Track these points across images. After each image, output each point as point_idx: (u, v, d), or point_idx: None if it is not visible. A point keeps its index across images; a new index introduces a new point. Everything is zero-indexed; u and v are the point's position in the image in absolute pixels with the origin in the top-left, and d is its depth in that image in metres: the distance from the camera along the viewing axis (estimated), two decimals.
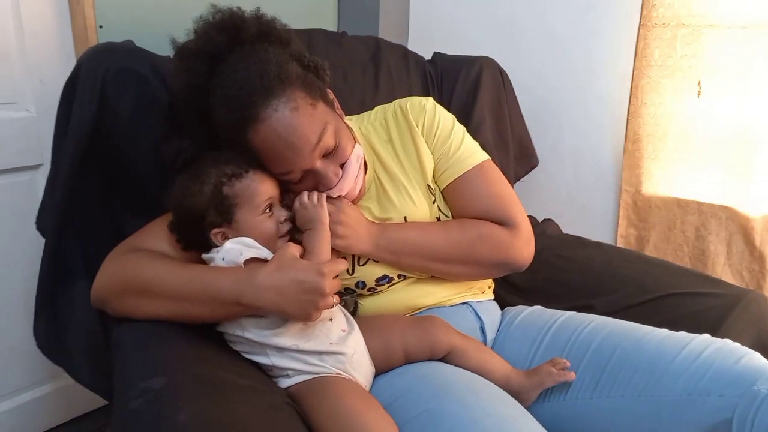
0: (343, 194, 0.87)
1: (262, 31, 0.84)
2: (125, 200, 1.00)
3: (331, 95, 0.91)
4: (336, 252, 0.86)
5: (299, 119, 0.80)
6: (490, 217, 0.95)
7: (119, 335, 0.82)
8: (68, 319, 0.98)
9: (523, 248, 0.95)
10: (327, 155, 0.85)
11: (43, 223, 1.03)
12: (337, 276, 0.79)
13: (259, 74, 0.79)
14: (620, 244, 1.59)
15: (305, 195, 0.83)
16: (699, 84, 1.42)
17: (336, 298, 0.79)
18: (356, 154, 0.88)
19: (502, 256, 0.94)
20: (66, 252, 0.97)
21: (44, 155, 1.27)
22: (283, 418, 0.70)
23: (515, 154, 1.49)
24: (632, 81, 1.50)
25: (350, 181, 0.87)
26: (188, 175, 0.83)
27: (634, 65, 1.49)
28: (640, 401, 0.82)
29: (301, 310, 0.76)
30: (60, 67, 1.29)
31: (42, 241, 0.99)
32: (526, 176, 1.56)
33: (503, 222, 0.95)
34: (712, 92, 1.41)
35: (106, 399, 1.00)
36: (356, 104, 1.26)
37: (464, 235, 0.93)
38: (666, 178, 1.52)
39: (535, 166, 1.56)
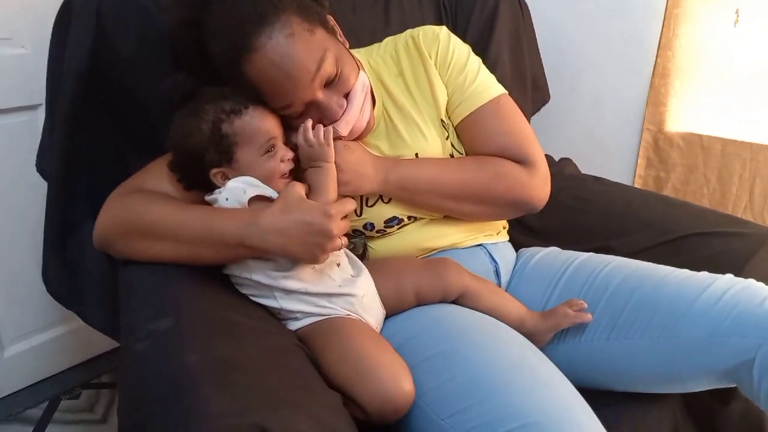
0: (350, 126, 0.82)
1: None
2: (131, 138, 0.96)
3: (332, 21, 0.85)
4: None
5: (295, 46, 0.75)
6: (506, 155, 0.90)
7: (125, 277, 0.81)
8: (78, 263, 0.97)
9: (540, 188, 0.91)
10: (329, 85, 0.79)
11: (43, 164, 1.01)
12: (345, 216, 0.76)
13: (252, 2, 0.74)
14: (637, 185, 1.54)
15: (310, 131, 0.78)
16: (737, 12, 1.32)
17: (344, 240, 0.76)
18: (361, 83, 0.83)
19: (518, 196, 0.90)
20: (72, 194, 0.95)
21: (43, 94, 1.23)
22: (293, 359, 0.69)
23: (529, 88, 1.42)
24: (666, 10, 1.39)
25: (355, 112, 0.82)
26: (185, 113, 0.79)
27: None
28: (658, 343, 0.80)
29: (308, 252, 0.73)
30: (53, 2, 1.23)
31: (43, 184, 0.97)
32: (544, 113, 1.49)
33: (520, 160, 0.90)
34: (750, 20, 1.31)
35: (119, 341, 1.00)
36: (366, 37, 1.19)
37: (480, 173, 0.89)
38: (691, 117, 1.45)
39: (546, 102, 1.49)
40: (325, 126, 0.79)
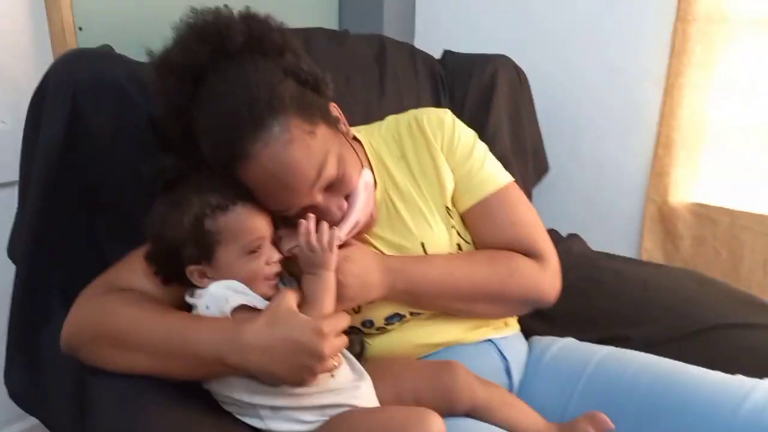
0: (349, 229, 0.76)
1: (252, 37, 0.72)
2: (106, 224, 0.89)
3: (336, 111, 0.79)
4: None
5: (294, 154, 0.68)
6: (515, 247, 0.85)
7: (93, 388, 0.72)
8: (46, 362, 0.87)
9: (553, 283, 0.86)
10: (329, 187, 0.73)
11: (15, 250, 0.93)
12: (340, 333, 0.68)
13: (247, 102, 0.67)
14: (644, 257, 1.48)
15: (313, 234, 0.70)
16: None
17: (338, 360, 0.68)
18: (364, 182, 0.77)
19: (532, 294, 0.85)
20: (42, 284, 0.86)
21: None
22: None
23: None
24: (667, 81, 1.37)
25: (357, 213, 0.76)
26: (168, 202, 0.72)
27: (669, 63, 1.36)
28: None
29: (293, 374, 0.65)
30: (36, 74, 1.15)
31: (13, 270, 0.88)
32: (544, 183, 1.45)
33: (530, 253, 0.85)
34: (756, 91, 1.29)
35: None
36: (360, 109, 1.15)
37: (492, 272, 0.83)
38: (696, 188, 1.40)
39: (546, 172, 1.45)
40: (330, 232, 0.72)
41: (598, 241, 1.30)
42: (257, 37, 0.72)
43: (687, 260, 1.44)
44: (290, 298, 0.67)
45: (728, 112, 1.33)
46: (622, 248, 1.48)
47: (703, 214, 1.40)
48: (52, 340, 0.83)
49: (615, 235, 1.52)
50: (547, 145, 1.45)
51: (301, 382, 0.66)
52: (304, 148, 0.69)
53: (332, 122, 0.76)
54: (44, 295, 0.86)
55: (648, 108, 1.42)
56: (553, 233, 1.27)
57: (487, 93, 1.29)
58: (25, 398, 0.88)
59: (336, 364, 0.68)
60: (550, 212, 1.48)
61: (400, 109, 0.96)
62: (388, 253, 0.83)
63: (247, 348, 0.64)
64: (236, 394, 0.68)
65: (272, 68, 0.70)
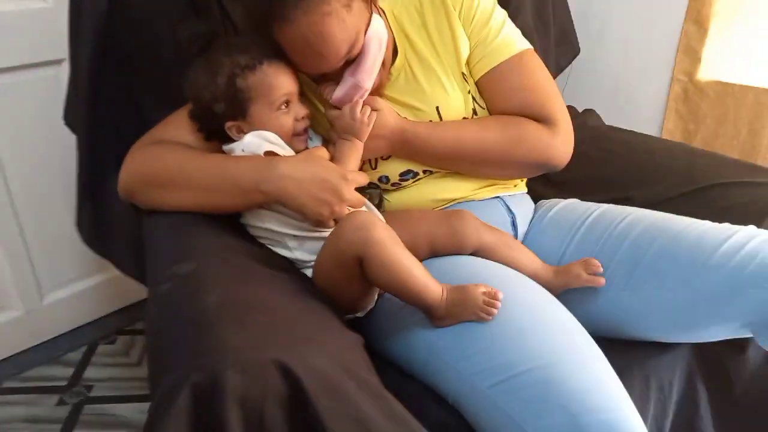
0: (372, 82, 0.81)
1: None
2: (149, 90, 0.98)
3: None
4: None
5: (330, 27, 0.73)
6: (527, 112, 0.89)
7: (149, 225, 0.84)
8: (107, 212, 1.00)
9: (563, 148, 0.91)
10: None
11: (71, 118, 1.03)
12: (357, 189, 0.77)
13: None
14: (665, 137, 1.50)
15: (359, 108, 0.78)
16: None
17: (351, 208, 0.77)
18: (378, 38, 0.80)
19: (541, 157, 0.90)
20: (99, 145, 0.97)
21: (66, 49, 1.25)
22: (310, 300, 0.71)
23: (556, 40, 1.38)
24: None
25: (377, 67, 0.81)
26: (201, 65, 0.79)
27: None
28: (676, 294, 0.80)
29: (316, 208, 0.74)
30: None
31: (73, 136, 1.00)
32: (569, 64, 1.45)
33: (542, 118, 0.89)
34: None
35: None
36: None
37: (503, 137, 0.88)
38: (723, 65, 1.39)
39: (577, 55, 1.44)
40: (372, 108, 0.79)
41: (622, 121, 1.30)
42: None
43: (707, 140, 1.45)
44: (323, 150, 0.78)
45: None
46: (645, 127, 1.49)
47: (728, 91, 1.39)
48: (109, 193, 0.97)
49: (639, 114, 1.53)
50: (576, 28, 1.44)
51: (319, 216, 0.75)
52: (340, 22, 0.73)
53: None
54: (101, 152, 0.98)
55: None
56: (570, 109, 1.30)
57: None
58: (93, 241, 1.03)
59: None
60: (575, 91, 1.50)
61: None
62: (403, 116, 0.89)
63: (281, 177, 0.74)
64: (267, 224, 0.79)
65: None
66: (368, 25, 0.78)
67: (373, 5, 0.81)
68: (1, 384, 1.36)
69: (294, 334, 0.61)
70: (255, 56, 0.77)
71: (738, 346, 0.88)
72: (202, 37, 0.83)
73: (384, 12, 0.89)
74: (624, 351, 0.82)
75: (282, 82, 0.78)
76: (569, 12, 1.41)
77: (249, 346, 0.56)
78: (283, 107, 0.79)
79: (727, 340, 0.82)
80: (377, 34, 0.81)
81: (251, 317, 0.61)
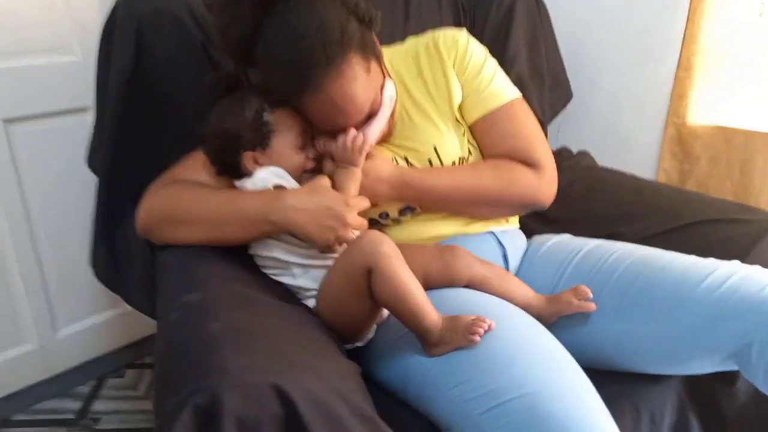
0: (377, 135, 0.88)
1: None
2: (168, 138, 1.04)
3: (376, 40, 0.88)
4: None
5: (357, 90, 0.81)
6: (516, 157, 0.96)
7: (162, 260, 0.89)
8: (123, 250, 1.06)
9: (547, 190, 0.98)
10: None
11: (94, 161, 1.11)
12: (360, 214, 0.82)
13: (321, 42, 0.76)
14: (661, 178, 1.55)
15: (352, 137, 0.84)
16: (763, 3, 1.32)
17: (357, 232, 0.82)
18: (389, 96, 0.88)
19: (529, 198, 0.97)
20: (119, 187, 1.03)
21: (91, 98, 1.35)
22: (308, 329, 0.75)
23: (549, 86, 1.45)
24: (690, 3, 1.41)
25: (382, 122, 0.88)
26: (231, 98, 0.85)
27: None
28: (662, 326, 0.83)
29: (322, 234, 0.79)
30: (101, 13, 1.33)
31: (92, 179, 1.06)
32: (565, 110, 1.52)
33: (529, 162, 0.96)
34: None
35: None
36: (385, 36, 1.24)
37: (494, 181, 0.95)
38: (714, 109, 1.44)
39: (570, 99, 1.51)
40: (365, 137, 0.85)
41: (617, 163, 1.35)
42: None
43: (701, 180, 1.50)
44: (326, 180, 0.83)
45: (748, 36, 1.35)
46: (641, 169, 1.54)
47: (719, 134, 1.45)
48: (126, 232, 1.03)
49: (634, 156, 1.58)
50: (568, 73, 1.51)
51: (326, 242, 0.80)
52: (364, 84, 0.81)
53: (380, 56, 0.87)
54: (120, 195, 1.03)
55: (671, 32, 1.45)
56: (565, 150, 1.36)
57: (505, 21, 1.36)
58: (107, 278, 1.08)
59: (354, 237, 0.81)
60: (571, 135, 1.56)
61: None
62: (404, 156, 0.96)
63: (288, 208, 0.79)
64: (274, 252, 0.84)
65: (339, 7, 0.79)
66: (384, 84, 0.86)
67: (383, 65, 0.88)
68: (12, 417, 1.39)
69: (292, 361, 0.64)
70: (281, 98, 0.84)
71: (727, 378, 0.90)
72: (227, 79, 0.88)
73: (388, 72, 0.95)
74: (614, 381, 0.85)
75: (303, 121, 0.86)
76: (561, 60, 1.49)
77: (248, 370, 0.59)
78: (300, 143, 0.86)
79: (717, 372, 0.84)
80: (389, 93, 0.88)
81: (253, 344, 0.65)
